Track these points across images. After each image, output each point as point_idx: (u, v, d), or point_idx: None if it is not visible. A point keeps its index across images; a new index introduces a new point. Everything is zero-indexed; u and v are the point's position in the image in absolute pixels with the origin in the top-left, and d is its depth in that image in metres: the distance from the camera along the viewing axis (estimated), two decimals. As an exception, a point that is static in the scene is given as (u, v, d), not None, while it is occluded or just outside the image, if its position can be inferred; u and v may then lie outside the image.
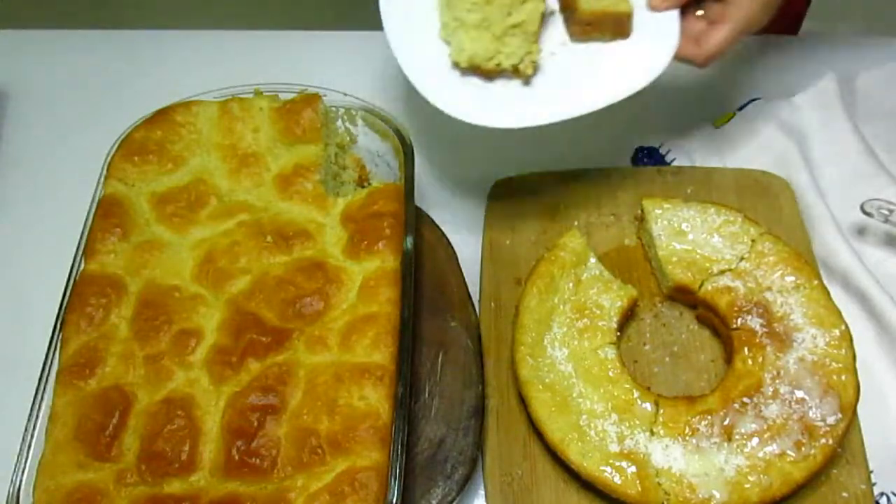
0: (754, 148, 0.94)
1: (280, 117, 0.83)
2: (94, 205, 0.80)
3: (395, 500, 0.64)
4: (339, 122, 0.87)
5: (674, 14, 0.79)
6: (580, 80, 0.79)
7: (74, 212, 0.81)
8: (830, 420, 0.70)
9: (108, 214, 0.78)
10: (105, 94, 0.99)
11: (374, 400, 0.67)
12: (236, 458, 0.66)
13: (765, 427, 0.70)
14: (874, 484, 0.73)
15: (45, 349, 0.72)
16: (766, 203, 0.88)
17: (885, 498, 0.74)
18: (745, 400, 0.72)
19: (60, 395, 0.69)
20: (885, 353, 0.80)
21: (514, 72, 0.79)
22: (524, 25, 0.78)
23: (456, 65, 0.79)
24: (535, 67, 0.79)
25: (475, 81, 0.79)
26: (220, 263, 0.75)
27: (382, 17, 0.80)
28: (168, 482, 0.66)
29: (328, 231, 0.77)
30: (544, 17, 0.82)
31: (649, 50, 0.79)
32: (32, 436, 0.68)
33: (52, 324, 0.73)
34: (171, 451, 0.66)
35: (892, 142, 0.93)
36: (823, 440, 0.69)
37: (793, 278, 0.77)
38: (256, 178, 0.81)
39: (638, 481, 0.69)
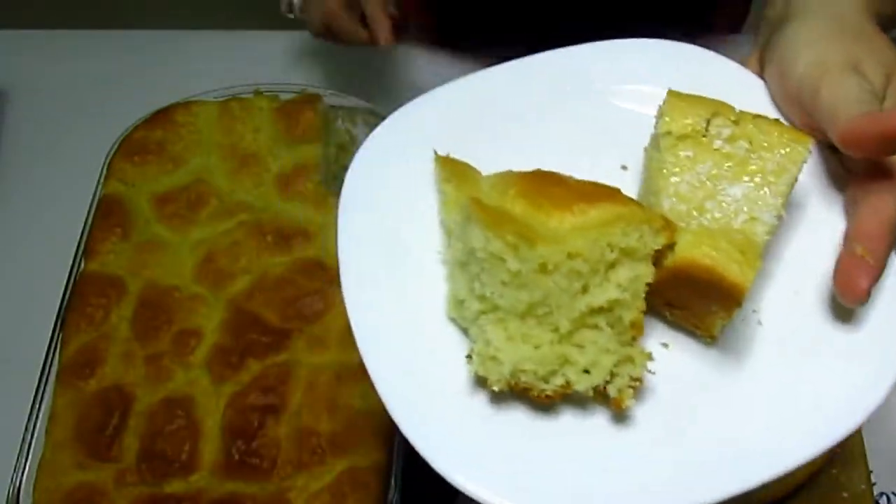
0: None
1: (280, 117, 0.83)
2: (94, 205, 0.80)
3: (395, 500, 0.64)
4: (339, 122, 0.87)
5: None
6: (713, 410, 0.45)
7: (74, 212, 0.80)
8: (831, 420, 0.70)
9: (108, 214, 0.78)
10: (105, 94, 0.99)
11: (375, 399, 0.67)
12: (236, 458, 0.66)
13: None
14: (874, 484, 0.73)
15: (45, 349, 0.72)
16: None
17: (885, 498, 0.74)
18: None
19: (60, 395, 0.69)
20: (885, 353, 0.80)
21: (597, 398, 0.45)
22: (615, 311, 0.44)
23: (481, 384, 0.45)
24: (638, 390, 0.44)
25: (518, 417, 0.45)
26: (220, 263, 0.75)
27: (341, 272, 0.49)
28: (168, 482, 0.66)
29: (328, 231, 0.77)
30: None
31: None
32: (32, 436, 0.68)
33: (52, 324, 0.73)
34: (171, 451, 0.66)
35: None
36: (824, 440, 0.69)
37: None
38: (256, 178, 0.81)
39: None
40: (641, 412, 0.45)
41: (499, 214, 0.44)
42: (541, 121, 0.56)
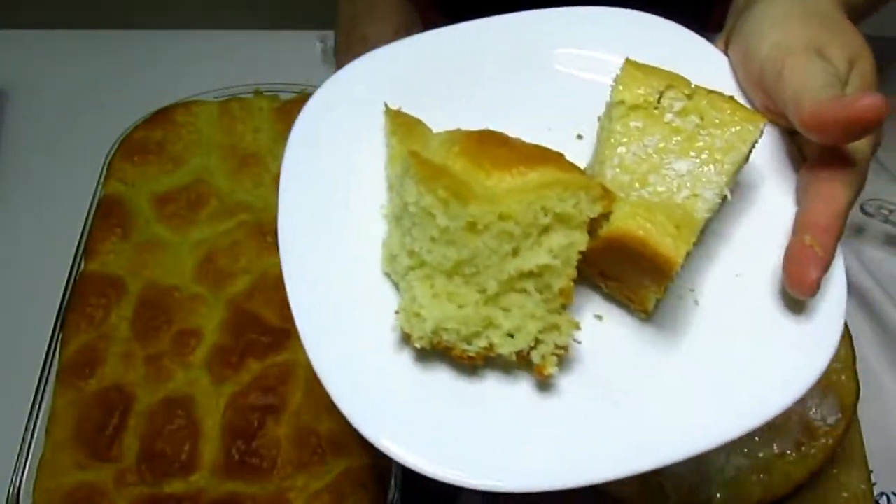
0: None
1: (280, 117, 0.83)
2: (94, 205, 0.80)
3: (395, 500, 0.64)
4: (339, 122, 0.87)
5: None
6: (644, 383, 0.45)
7: (74, 212, 0.80)
8: (830, 420, 0.70)
9: (108, 214, 0.78)
10: (105, 94, 0.99)
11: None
12: (236, 458, 0.66)
13: (765, 427, 0.70)
14: (874, 484, 0.73)
15: (45, 349, 0.72)
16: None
17: (885, 498, 0.74)
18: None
19: (60, 395, 0.69)
20: (885, 353, 0.80)
21: (521, 363, 0.44)
22: (545, 277, 0.44)
23: (406, 340, 0.44)
24: (563, 358, 0.44)
25: (443, 377, 0.45)
26: (220, 263, 0.75)
27: (279, 222, 0.48)
28: (168, 482, 0.66)
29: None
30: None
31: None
32: (32, 436, 0.68)
33: (52, 324, 0.73)
34: (171, 451, 0.66)
35: (893, 141, 0.93)
36: (823, 440, 0.69)
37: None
38: (257, 178, 0.81)
39: (637, 481, 0.69)
40: (568, 382, 0.45)
41: (436, 170, 0.44)
42: (502, 83, 0.55)
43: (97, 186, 0.81)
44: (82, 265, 0.76)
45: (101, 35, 1.06)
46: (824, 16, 0.51)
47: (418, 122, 0.51)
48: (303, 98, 0.84)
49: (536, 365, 0.43)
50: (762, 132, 0.47)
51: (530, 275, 0.43)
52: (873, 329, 0.81)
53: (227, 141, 0.82)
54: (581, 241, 0.43)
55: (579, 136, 0.53)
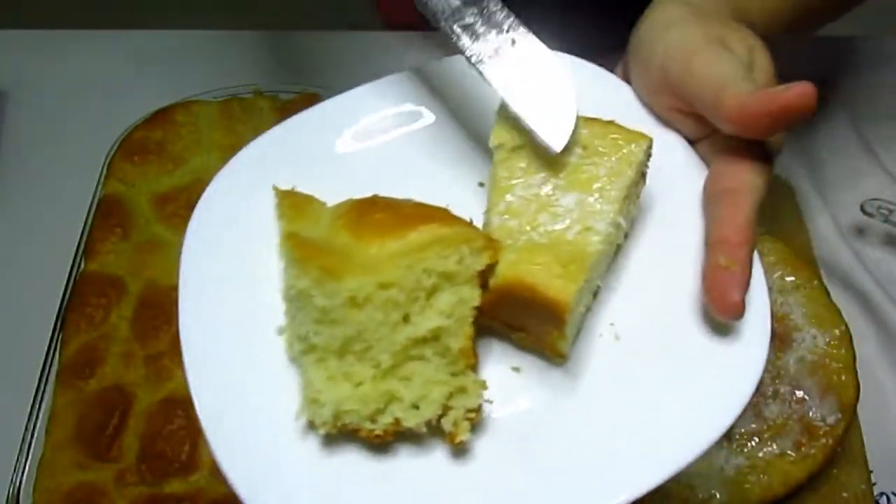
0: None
1: (280, 117, 0.83)
2: (94, 205, 0.80)
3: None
4: (339, 122, 0.87)
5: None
6: (567, 433, 0.43)
7: (74, 212, 0.80)
8: (830, 420, 0.70)
9: (108, 214, 0.78)
10: (105, 94, 0.99)
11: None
12: (236, 458, 0.66)
13: (765, 427, 0.70)
14: (874, 484, 0.73)
15: (45, 349, 0.72)
16: (765, 203, 0.88)
17: (885, 498, 0.74)
18: (745, 400, 0.72)
19: (60, 395, 0.69)
20: (885, 353, 0.80)
21: (434, 433, 0.42)
22: (442, 339, 0.41)
23: (311, 427, 0.42)
24: (475, 421, 0.42)
25: (354, 459, 0.42)
26: (220, 263, 0.75)
27: (179, 312, 0.46)
28: (168, 482, 0.66)
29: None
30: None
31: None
32: (32, 436, 0.68)
33: (52, 324, 0.73)
34: (171, 451, 0.66)
35: (893, 141, 0.93)
36: (823, 440, 0.69)
37: (792, 278, 0.77)
38: (256, 178, 0.81)
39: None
40: (484, 444, 0.42)
41: (312, 249, 0.42)
42: (399, 142, 0.53)
43: (97, 186, 0.81)
44: (82, 265, 0.76)
45: (101, 35, 1.06)
46: (715, 14, 0.50)
47: (310, 199, 0.49)
48: (303, 98, 0.84)
49: (448, 433, 0.41)
50: (648, 151, 0.45)
51: (425, 340, 0.41)
52: (873, 329, 0.81)
53: (227, 141, 0.82)
54: (472, 296, 0.41)
55: (481, 184, 0.51)
